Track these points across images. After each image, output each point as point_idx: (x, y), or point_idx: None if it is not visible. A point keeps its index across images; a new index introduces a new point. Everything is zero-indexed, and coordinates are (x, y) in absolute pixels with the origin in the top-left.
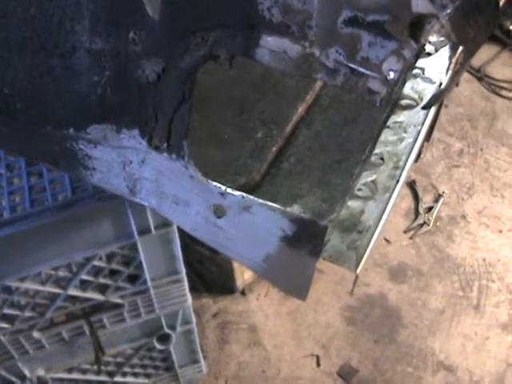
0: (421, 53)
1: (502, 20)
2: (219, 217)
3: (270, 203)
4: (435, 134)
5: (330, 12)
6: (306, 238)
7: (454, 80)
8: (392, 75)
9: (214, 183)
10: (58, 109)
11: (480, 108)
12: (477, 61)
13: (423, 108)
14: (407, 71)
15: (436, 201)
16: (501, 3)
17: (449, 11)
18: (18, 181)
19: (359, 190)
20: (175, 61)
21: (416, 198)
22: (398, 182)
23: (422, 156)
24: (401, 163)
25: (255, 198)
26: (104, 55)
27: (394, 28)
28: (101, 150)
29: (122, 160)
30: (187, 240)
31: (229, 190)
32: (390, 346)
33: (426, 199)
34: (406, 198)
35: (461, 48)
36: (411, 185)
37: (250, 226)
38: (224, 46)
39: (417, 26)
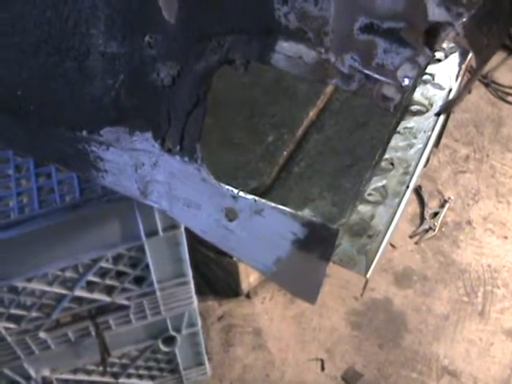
0: (431, 59)
1: None
2: (231, 220)
3: (281, 207)
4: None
5: (347, 19)
6: (318, 242)
7: (466, 87)
8: (407, 82)
9: (227, 186)
10: (71, 111)
11: (486, 114)
12: None
13: (436, 115)
14: (418, 77)
15: (442, 206)
16: None
17: (464, 19)
18: (26, 182)
19: (369, 194)
20: (190, 65)
21: (422, 203)
22: (407, 187)
23: (429, 162)
24: (410, 169)
25: (267, 202)
26: (119, 58)
27: (410, 35)
28: (113, 152)
29: (134, 162)
30: (193, 242)
31: (241, 194)
32: (394, 351)
33: (432, 205)
34: (412, 203)
35: (470, 54)
36: (417, 190)
37: (261, 229)
38: (240, 50)
39: (432, 34)
